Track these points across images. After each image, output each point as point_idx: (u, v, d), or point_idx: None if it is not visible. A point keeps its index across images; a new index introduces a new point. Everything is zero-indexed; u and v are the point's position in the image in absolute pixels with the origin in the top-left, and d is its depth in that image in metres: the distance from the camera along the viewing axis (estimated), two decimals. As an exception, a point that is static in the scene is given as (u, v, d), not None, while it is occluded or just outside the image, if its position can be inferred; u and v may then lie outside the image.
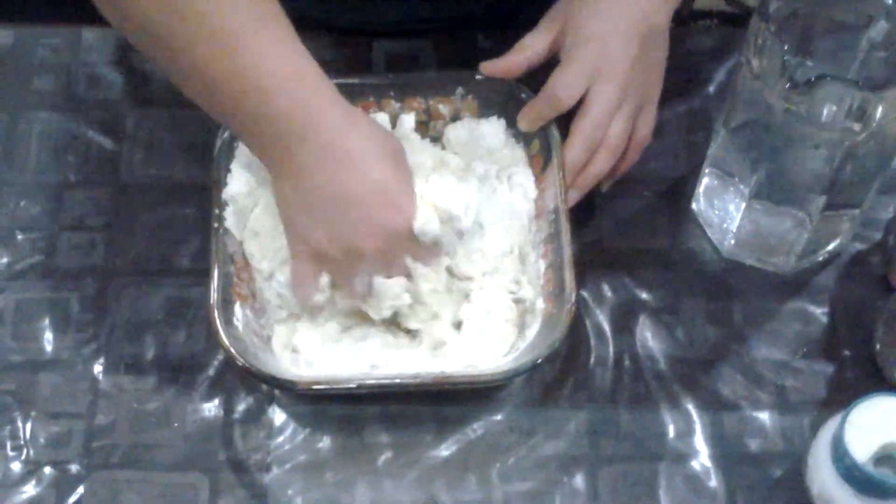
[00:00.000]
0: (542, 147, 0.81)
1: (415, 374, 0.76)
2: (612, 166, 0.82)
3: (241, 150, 0.80)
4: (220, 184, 0.79)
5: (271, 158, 0.74)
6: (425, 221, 0.74)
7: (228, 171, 0.79)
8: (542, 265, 0.78)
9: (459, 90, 0.83)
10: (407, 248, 0.75)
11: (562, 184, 0.78)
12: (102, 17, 0.72)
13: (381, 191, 0.73)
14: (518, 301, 0.79)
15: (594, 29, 0.79)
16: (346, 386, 0.75)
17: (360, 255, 0.74)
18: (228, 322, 0.74)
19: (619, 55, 0.79)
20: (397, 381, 0.75)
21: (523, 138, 0.83)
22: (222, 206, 0.78)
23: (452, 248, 0.77)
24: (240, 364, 0.73)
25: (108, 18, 0.72)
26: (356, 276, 0.75)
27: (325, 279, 0.76)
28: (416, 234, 0.74)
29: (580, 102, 0.80)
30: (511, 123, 0.83)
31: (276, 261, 0.78)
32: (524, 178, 0.82)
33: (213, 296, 0.74)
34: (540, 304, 0.77)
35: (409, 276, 0.75)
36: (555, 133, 0.80)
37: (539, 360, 0.73)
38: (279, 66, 0.70)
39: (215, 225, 0.77)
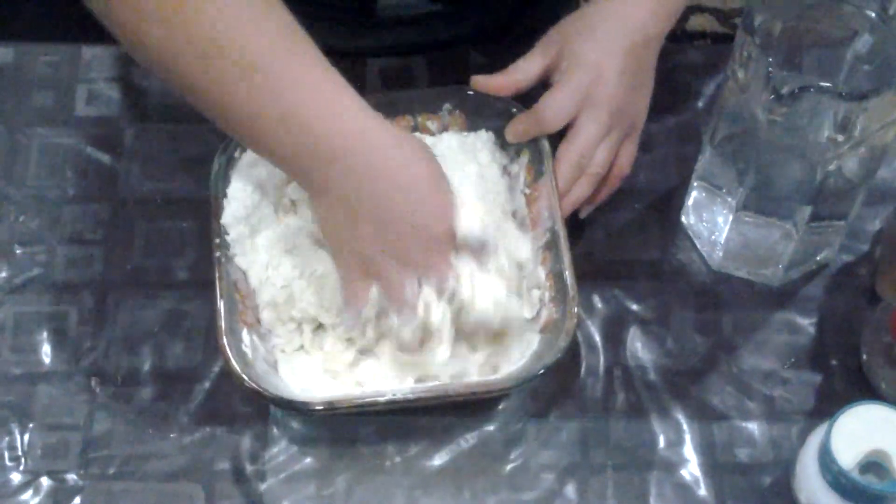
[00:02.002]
0: (532, 158, 0.82)
1: (427, 386, 0.76)
2: (591, 193, 0.83)
3: (237, 175, 0.81)
4: (219, 212, 0.79)
5: (311, 183, 0.74)
6: (469, 224, 0.75)
7: (225, 195, 0.80)
8: (541, 273, 0.79)
9: (447, 106, 0.84)
10: (450, 250, 0.75)
11: (555, 192, 0.79)
12: (102, 35, 0.73)
13: (423, 198, 0.74)
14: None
15: (590, 55, 0.80)
16: (360, 403, 0.75)
17: (407, 259, 0.74)
18: (238, 350, 0.75)
19: (612, 84, 0.80)
20: (410, 395, 0.75)
21: (513, 150, 0.84)
22: (222, 234, 0.79)
23: (495, 250, 0.77)
24: (266, 394, 0.73)
25: (138, 59, 0.74)
26: (406, 281, 0.74)
27: (374, 290, 0.75)
28: (461, 236, 0.75)
29: (568, 124, 0.81)
30: (500, 136, 0.84)
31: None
32: (515, 191, 0.83)
33: (222, 325, 0.75)
34: (543, 311, 0.78)
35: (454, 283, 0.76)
36: (545, 144, 0.81)
37: (548, 364, 0.74)
38: (313, 95, 0.71)
39: (217, 254, 0.78)
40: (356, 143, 0.72)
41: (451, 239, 0.75)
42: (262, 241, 0.80)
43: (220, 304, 0.75)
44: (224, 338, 0.74)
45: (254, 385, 0.73)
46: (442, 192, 0.75)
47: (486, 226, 0.76)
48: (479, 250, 0.76)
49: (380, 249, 0.74)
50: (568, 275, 0.76)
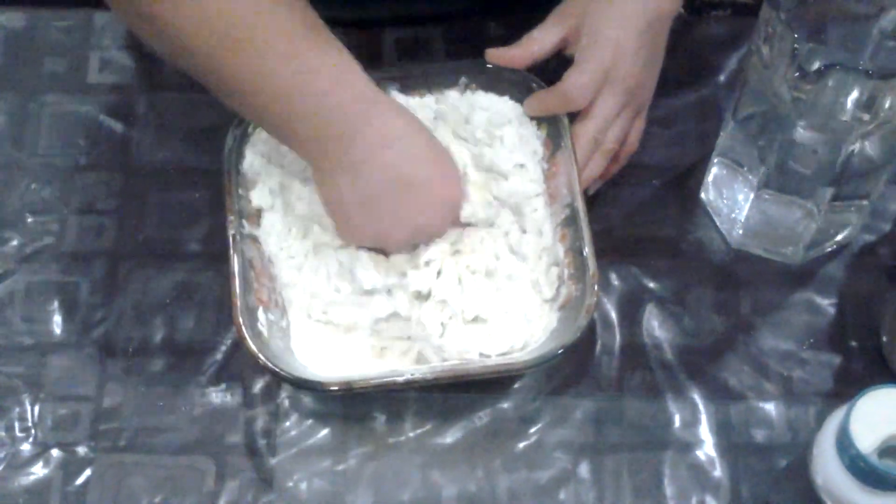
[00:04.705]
0: (550, 133, 0.81)
1: (446, 366, 0.75)
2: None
3: (251, 147, 0.80)
4: (232, 188, 0.78)
5: (322, 155, 0.74)
6: (472, 210, 0.78)
7: (238, 171, 0.79)
8: (560, 249, 0.78)
9: (463, 79, 0.83)
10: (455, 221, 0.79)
11: (575, 167, 0.79)
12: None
13: (435, 168, 0.76)
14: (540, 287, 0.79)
15: (610, 31, 0.79)
16: (377, 383, 0.74)
17: (424, 233, 0.77)
18: (254, 329, 0.74)
19: (629, 61, 0.79)
20: (428, 375, 0.74)
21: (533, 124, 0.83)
22: (237, 213, 0.77)
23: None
24: (282, 374, 0.72)
25: (146, 40, 0.73)
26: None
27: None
28: (463, 219, 0.78)
29: None
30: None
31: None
32: (535, 162, 0.82)
33: (238, 303, 0.74)
34: (562, 289, 0.77)
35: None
36: (564, 119, 0.80)
37: (569, 344, 0.73)
38: (325, 68, 0.72)
39: (231, 231, 0.77)
40: (368, 113, 0.73)
41: (454, 222, 0.78)
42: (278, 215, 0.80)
43: (236, 283, 0.75)
44: (240, 317, 0.73)
45: (270, 365, 0.72)
46: (449, 159, 0.78)
47: (488, 210, 0.78)
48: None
49: (395, 224, 0.76)
50: (588, 252, 0.75)
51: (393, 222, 0.76)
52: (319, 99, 0.72)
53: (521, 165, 0.80)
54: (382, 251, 0.79)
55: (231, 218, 0.77)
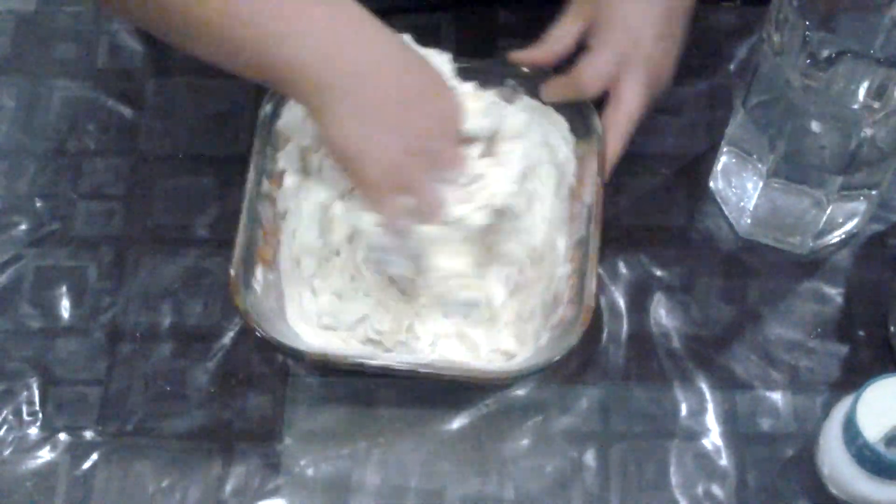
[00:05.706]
0: (584, 149, 0.80)
1: (427, 361, 0.75)
2: None
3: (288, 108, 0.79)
4: (262, 149, 0.77)
5: (317, 82, 0.71)
6: (475, 121, 0.74)
7: (270, 133, 0.78)
8: (568, 268, 0.77)
9: (511, 82, 0.81)
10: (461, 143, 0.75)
11: (599, 194, 0.77)
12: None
13: (430, 77, 0.74)
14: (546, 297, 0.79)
15: (629, 19, 0.79)
16: (352, 362, 0.74)
17: (436, 149, 0.73)
18: (248, 283, 0.74)
19: (650, 43, 0.79)
20: (405, 366, 0.75)
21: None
22: (259, 171, 0.77)
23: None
24: (259, 334, 0.72)
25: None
26: (435, 183, 0.73)
27: (406, 199, 0.73)
28: (472, 130, 0.74)
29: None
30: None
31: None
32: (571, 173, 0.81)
33: (237, 252, 0.74)
34: (560, 309, 0.76)
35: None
36: (597, 139, 0.79)
37: (553, 360, 0.72)
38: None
39: (248, 186, 0.76)
40: (352, 25, 0.71)
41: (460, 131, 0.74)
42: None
43: (241, 235, 0.74)
44: (233, 269, 0.73)
45: (251, 314, 0.72)
46: (446, 87, 0.75)
47: (491, 114, 0.75)
48: (489, 139, 0.76)
49: (402, 152, 0.72)
50: (588, 281, 0.74)
51: (402, 138, 0.72)
52: (294, 20, 0.69)
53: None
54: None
55: (252, 175, 0.76)
